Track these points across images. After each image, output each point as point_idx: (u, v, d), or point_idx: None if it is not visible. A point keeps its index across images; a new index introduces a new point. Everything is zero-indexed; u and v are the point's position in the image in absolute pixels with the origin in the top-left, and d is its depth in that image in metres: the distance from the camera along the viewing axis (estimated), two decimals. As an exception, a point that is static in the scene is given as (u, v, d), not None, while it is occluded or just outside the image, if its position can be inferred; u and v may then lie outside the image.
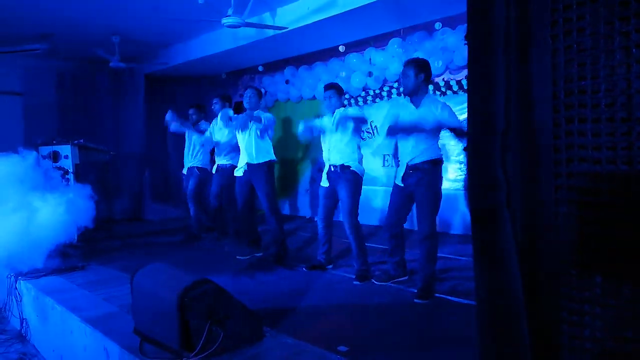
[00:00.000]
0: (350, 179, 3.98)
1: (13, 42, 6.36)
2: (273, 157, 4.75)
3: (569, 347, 0.79)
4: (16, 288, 4.01)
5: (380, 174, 6.44)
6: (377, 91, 6.41)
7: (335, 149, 4.07)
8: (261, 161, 4.63)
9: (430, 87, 5.19)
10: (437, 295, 3.44)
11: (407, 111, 3.61)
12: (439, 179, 3.50)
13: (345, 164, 3.99)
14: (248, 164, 4.67)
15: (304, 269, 4.27)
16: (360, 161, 4.09)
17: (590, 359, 0.79)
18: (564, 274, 0.80)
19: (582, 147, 0.74)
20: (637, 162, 0.69)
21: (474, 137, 0.90)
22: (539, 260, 0.81)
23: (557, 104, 0.76)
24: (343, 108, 4.17)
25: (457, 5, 4.73)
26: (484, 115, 0.82)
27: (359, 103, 6.64)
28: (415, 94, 3.51)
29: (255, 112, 4.59)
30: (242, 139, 4.72)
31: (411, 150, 3.51)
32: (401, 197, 3.62)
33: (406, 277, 3.79)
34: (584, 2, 0.69)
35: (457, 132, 3.43)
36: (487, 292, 0.90)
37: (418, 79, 3.45)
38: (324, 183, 4.17)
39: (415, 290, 3.45)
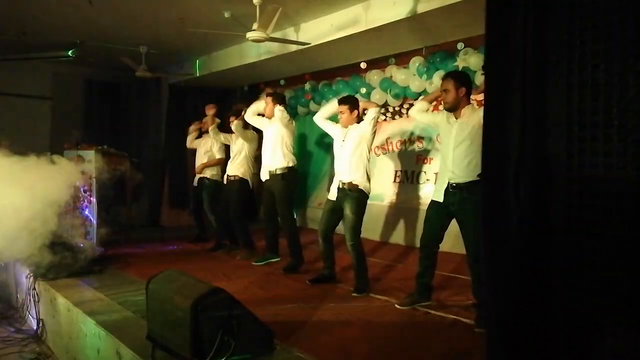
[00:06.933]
0: (357, 197, 3.96)
1: (44, 48, 6.58)
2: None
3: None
4: (34, 288, 4.09)
5: (388, 191, 6.41)
6: (397, 108, 6.43)
7: (345, 165, 4.07)
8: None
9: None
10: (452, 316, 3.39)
11: (445, 122, 3.40)
12: None
13: (354, 182, 3.97)
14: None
15: (307, 281, 4.30)
16: (368, 180, 4.04)
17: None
18: (569, 305, 0.81)
19: (594, 179, 0.75)
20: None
21: (489, 164, 0.92)
22: (545, 286, 0.83)
23: (571, 136, 0.78)
24: (357, 124, 4.13)
25: (479, 27, 4.74)
26: (500, 143, 0.84)
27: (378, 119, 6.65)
28: (455, 110, 3.30)
29: None
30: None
31: (452, 167, 3.27)
32: (439, 215, 3.39)
33: (430, 302, 3.56)
34: (598, 40, 0.71)
35: None
36: (496, 315, 0.91)
37: (459, 93, 3.26)
38: (332, 196, 4.16)
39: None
